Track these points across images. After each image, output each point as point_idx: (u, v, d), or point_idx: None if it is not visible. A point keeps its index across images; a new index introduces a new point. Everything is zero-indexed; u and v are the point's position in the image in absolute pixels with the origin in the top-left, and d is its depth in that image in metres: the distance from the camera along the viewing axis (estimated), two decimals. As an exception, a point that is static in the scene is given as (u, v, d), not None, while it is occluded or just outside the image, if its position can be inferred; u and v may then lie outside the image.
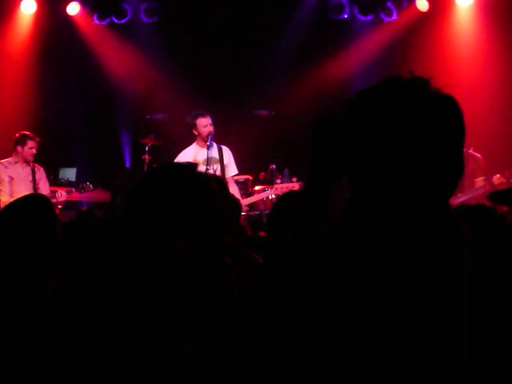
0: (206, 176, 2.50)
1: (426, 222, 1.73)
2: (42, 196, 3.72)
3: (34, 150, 9.61)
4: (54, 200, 9.28)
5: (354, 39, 11.92)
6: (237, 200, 4.25)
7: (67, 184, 11.55)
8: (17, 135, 9.67)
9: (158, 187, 2.37)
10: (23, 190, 9.43)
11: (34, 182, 9.65)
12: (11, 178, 9.57)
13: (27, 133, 9.70)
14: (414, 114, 1.72)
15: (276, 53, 12.09)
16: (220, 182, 4.25)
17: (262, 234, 4.66)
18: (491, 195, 3.80)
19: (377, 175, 1.75)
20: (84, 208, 10.42)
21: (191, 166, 2.54)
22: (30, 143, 9.60)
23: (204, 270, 2.40)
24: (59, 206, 9.64)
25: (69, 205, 11.05)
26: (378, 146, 1.73)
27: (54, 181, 11.49)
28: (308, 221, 1.93)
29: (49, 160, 11.41)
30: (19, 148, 9.60)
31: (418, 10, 11.47)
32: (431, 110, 1.73)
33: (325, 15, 11.88)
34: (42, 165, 10.12)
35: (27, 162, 9.68)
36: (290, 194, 4.51)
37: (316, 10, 11.82)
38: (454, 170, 1.77)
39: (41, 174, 9.84)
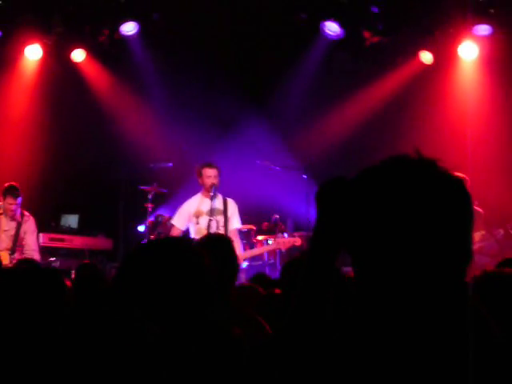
0: (197, 251, 2.47)
1: (433, 305, 1.69)
2: (51, 270, 3.70)
3: (12, 207, 9.22)
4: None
5: (359, 90, 11.96)
6: (235, 262, 4.23)
7: (69, 231, 11.53)
8: (4, 185, 9.33)
9: (148, 264, 2.35)
10: (2, 243, 9.25)
11: (17, 235, 9.28)
12: None
13: (8, 186, 9.26)
14: (422, 197, 1.69)
15: (281, 103, 12.14)
16: (224, 242, 4.23)
17: (277, 291, 4.60)
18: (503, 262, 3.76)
19: (381, 257, 1.71)
20: (85, 259, 10.33)
21: (183, 242, 2.52)
22: (9, 199, 9.22)
23: (214, 346, 2.40)
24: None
25: (70, 252, 11.01)
26: (384, 228, 1.70)
27: (56, 227, 11.47)
28: (311, 291, 1.89)
29: (51, 206, 11.42)
30: (1, 199, 9.32)
31: (422, 63, 11.51)
32: (439, 193, 1.70)
33: (329, 66, 11.93)
34: (40, 212, 9.99)
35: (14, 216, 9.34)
36: (294, 262, 4.46)
37: (320, 61, 11.87)
38: (461, 254, 1.73)
39: (28, 226, 9.42)
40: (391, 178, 1.73)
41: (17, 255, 9.20)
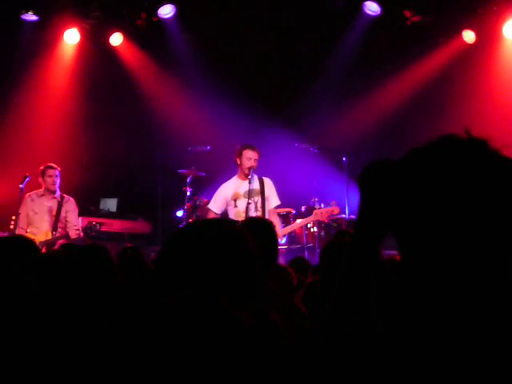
0: (242, 233, 2.41)
1: (486, 289, 1.60)
2: (100, 247, 3.73)
3: (53, 178, 9.62)
4: (71, 237, 9.32)
5: (399, 70, 11.79)
6: (275, 248, 4.16)
7: (108, 215, 11.57)
8: (40, 168, 9.76)
9: (191, 246, 2.29)
10: (44, 223, 9.58)
11: (58, 215, 9.62)
12: (34, 212, 9.65)
13: (48, 164, 9.73)
14: (473, 178, 1.60)
15: (319, 84, 12.03)
16: (265, 226, 4.15)
17: (310, 279, 4.53)
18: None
19: (430, 240, 1.63)
20: (125, 243, 10.35)
21: (227, 223, 2.47)
22: (49, 171, 9.64)
23: (254, 330, 2.34)
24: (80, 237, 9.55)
25: (110, 236, 11.05)
26: (434, 210, 1.62)
27: (95, 211, 11.52)
28: (354, 279, 1.82)
29: (90, 190, 11.47)
30: (40, 179, 9.71)
31: (465, 42, 11.30)
32: (491, 174, 1.61)
33: (367, 48, 11.77)
34: (80, 196, 10.15)
35: (53, 193, 9.70)
36: (341, 232, 4.39)
37: (360, 41, 11.71)
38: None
39: (69, 205, 9.78)
40: (441, 159, 1.64)
41: (59, 232, 9.54)
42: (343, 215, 10.13)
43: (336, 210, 9.35)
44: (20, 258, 4.05)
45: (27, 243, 4.37)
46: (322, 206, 10.24)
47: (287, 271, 4.88)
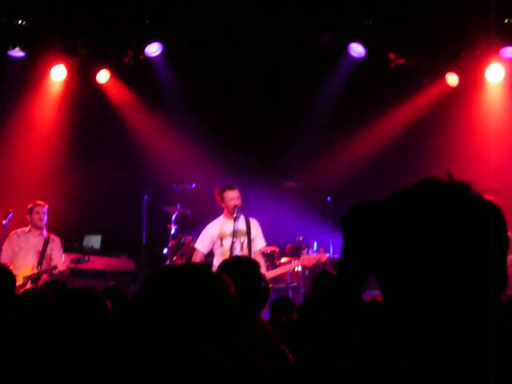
0: (217, 280, 2.43)
1: (467, 332, 1.62)
2: (95, 292, 3.72)
3: (40, 215, 9.69)
4: (56, 271, 9.38)
5: (384, 112, 11.89)
6: (266, 284, 4.14)
7: (91, 251, 11.52)
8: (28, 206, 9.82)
9: (166, 290, 2.31)
10: (29, 259, 9.57)
11: (43, 252, 9.64)
12: (20, 248, 9.67)
13: (36, 202, 9.81)
14: (456, 222, 1.62)
15: (304, 124, 12.11)
16: (251, 266, 4.15)
17: (284, 319, 4.52)
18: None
19: (412, 282, 1.65)
20: (108, 280, 10.31)
21: (203, 269, 2.49)
22: (36, 208, 9.72)
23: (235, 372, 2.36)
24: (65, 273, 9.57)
25: (93, 273, 10.99)
26: (416, 253, 1.64)
27: (79, 248, 11.47)
28: (338, 320, 1.83)
29: (73, 227, 11.42)
30: (28, 217, 9.76)
31: (448, 85, 11.42)
32: (473, 218, 1.63)
33: (352, 89, 11.87)
34: (63, 232, 10.16)
35: (40, 230, 9.74)
36: (325, 273, 4.41)
37: (344, 83, 11.81)
38: (497, 280, 1.65)
39: (54, 244, 9.82)
40: (423, 202, 1.67)
41: (43, 267, 9.56)
42: (327, 254, 10.12)
43: (323, 258, 9.32)
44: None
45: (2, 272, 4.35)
46: (312, 246, 10.25)
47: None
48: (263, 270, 8.74)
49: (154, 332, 2.19)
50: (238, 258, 6.84)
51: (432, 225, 1.63)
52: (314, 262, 9.31)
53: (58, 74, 11.79)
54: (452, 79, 11.42)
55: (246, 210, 9.21)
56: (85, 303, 3.49)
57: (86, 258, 9.63)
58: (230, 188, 9.06)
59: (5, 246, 9.60)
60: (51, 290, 5.64)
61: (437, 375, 1.59)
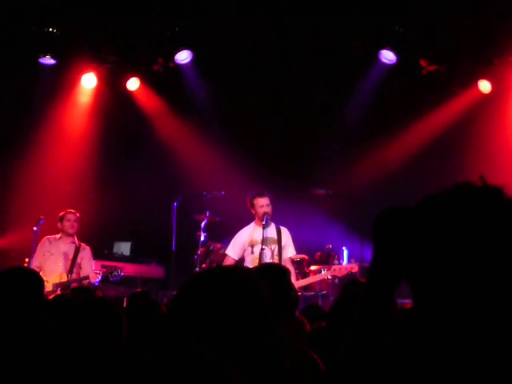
0: (255, 281, 2.39)
1: (502, 339, 1.57)
2: (110, 303, 3.71)
3: (71, 222, 9.74)
4: (86, 281, 9.37)
5: (415, 118, 11.81)
6: (295, 292, 4.11)
7: (121, 258, 11.55)
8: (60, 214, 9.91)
9: (204, 293, 2.27)
10: (59, 265, 9.63)
11: (74, 260, 9.70)
12: (51, 254, 9.71)
13: (68, 210, 9.88)
14: (488, 226, 1.58)
15: (335, 131, 12.06)
16: (282, 272, 4.12)
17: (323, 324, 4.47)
18: None
19: (446, 289, 1.60)
20: (137, 287, 10.33)
21: (241, 272, 2.45)
22: (67, 216, 9.77)
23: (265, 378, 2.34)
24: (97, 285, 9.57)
25: (122, 279, 11.00)
26: (449, 259, 1.59)
27: (109, 255, 11.50)
28: (366, 328, 1.79)
29: (104, 233, 11.47)
30: (59, 225, 9.81)
31: (480, 92, 11.32)
32: (505, 222, 1.58)
33: (382, 96, 11.80)
34: (93, 239, 10.22)
35: (71, 237, 9.81)
36: (354, 281, 4.37)
37: (375, 89, 11.74)
38: None
39: (85, 253, 9.86)
40: (455, 206, 1.63)
41: (74, 276, 9.61)
42: (358, 264, 10.06)
43: (355, 269, 9.24)
44: (25, 291, 4.04)
45: (32, 276, 4.36)
46: (342, 253, 10.22)
47: (300, 321, 4.82)
48: (293, 278, 8.71)
49: (192, 334, 2.17)
50: (267, 264, 6.80)
51: (466, 229, 1.59)
52: (344, 273, 9.24)
53: (89, 81, 11.85)
54: (484, 86, 11.32)
55: (275, 217, 9.18)
56: (96, 315, 3.47)
57: (119, 271, 9.63)
58: (260, 195, 9.05)
59: (36, 252, 9.65)
60: (78, 296, 5.65)
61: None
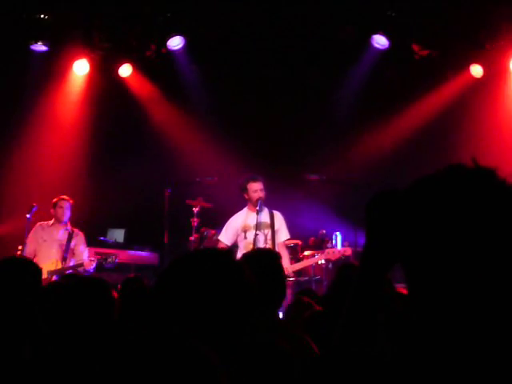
0: (236, 264, 2.40)
1: (498, 323, 1.57)
2: (103, 281, 3.70)
3: (63, 209, 9.77)
4: (81, 269, 9.41)
5: (408, 103, 11.81)
6: (282, 278, 4.12)
7: (115, 245, 11.55)
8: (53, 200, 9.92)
9: (186, 275, 2.29)
10: (53, 252, 9.65)
11: (68, 246, 9.70)
12: (44, 240, 9.74)
13: (61, 196, 9.90)
14: (482, 207, 1.58)
15: (328, 116, 12.05)
16: (270, 256, 4.12)
17: (318, 308, 4.49)
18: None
19: (439, 272, 1.60)
20: (131, 273, 10.34)
21: (223, 254, 2.46)
22: (60, 203, 9.80)
23: (260, 360, 2.35)
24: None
25: (116, 266, 11.01)
26: (442, 240, 1.59)
27: (102, 242, 11.50)
28: (359, 311, 1.80)
29: (97, 221, 11.46)
30: (52, 211, 9.85)
31: (472, 76, 11.32)
32: (499, 203, 1.59)
33: (375, 81, 11.79)
34: (87, 226, 10.22)
35: (63, 224, 9.82)
36: (348, 265, 4.39)
37: (368, 74, 11.73)
38: None
39: (78, 239, 9.88)
40: (448, 188, 1.63)
41: (68, 263, 9.63)
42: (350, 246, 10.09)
43: (348, 252, 9.26)
44: (22, 279, 4.04)
45: (28, 265, 4.36)
46: (335, 238, 10.24)
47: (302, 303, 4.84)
48: (287, 262, 8.75)
49: (175, 318, 2.18)
50: (260, 249, 6.81)
51: (457, 211, 1.59)
52: (338, 256, 9.25)
53: (81, 68, 11.79)
54: (476, 70, 11.32)
55: (268, 202, 9.17)
56: (87, 292, 3.46)
57: (114, 257, 9.68)
58: (254, 180, 9.01)
59: (29, 238, 9.67)
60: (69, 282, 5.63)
61: (461, 369, 1.56)
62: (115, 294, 3.64)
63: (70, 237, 9.75)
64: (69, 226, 9.86)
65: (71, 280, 4.71)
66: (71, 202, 9.87)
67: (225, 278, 2.30)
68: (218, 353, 1.89)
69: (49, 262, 9.47)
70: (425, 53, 11.30)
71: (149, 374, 1.59)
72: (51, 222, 9.85)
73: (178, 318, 2.20)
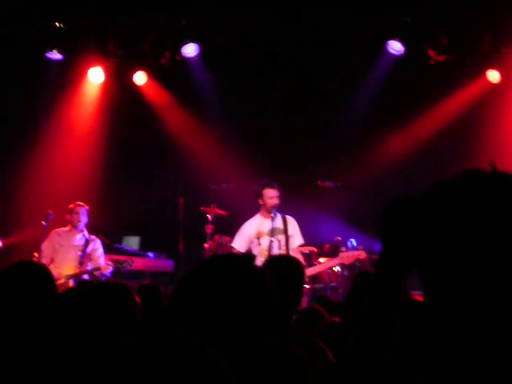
0: (259, 269, 2.38)
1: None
2: (126, 288, 3.66)
3: (79, 215, 9.78)
4: (98, 273, 9.49)
5: (422, 110, 11.76)
6: (301, 285, 4.11)
7: (130, 253, 11.56)
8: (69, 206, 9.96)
9: (208, 280, 2.27)
10: (70, 257, 9.67)
11: (84, 252, 9.72)
12: (61, 246, 9.76)
13: (78, 202, 9.93)
14: (498, 213, 1.54)
15: (342, 123, 12.00)
16: (289, 264, 4.11)
17: (336, 319, 4.46)
18: None
19: (457, 280, 1.57)
20: (146, 280, 10.35)
21: (245, 259, 2.43)
22: (76, 209, 9.82)
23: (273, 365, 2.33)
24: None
25: (131, 273, 11.02)
26: (459, 247, 1.56)
27: (117, 249, 11.51)
28: (375, 321, 1.77)
29: (112, 228, 11.48)
30: (68, 217, 9.87)
31: (489, 82, 11.26)
32: None
33: (391, 87, 11.74)
34: (102, 234, 10.24)
35: (79, 230, 9.85)
36: (364, 272, 4.38)
37: (383, 80, 11.69)
38: None
39: (95, 244, 9.91)
40: (465, 193, 1.59)
41: (85, 268, 9.67)
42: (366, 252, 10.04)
43: (362, 255, 9.21)
44: (34, 286, 4.02)
45: (41, 270, 4.33)
46: (350, 244, 10.17)
47: (317, 312, 4.82)
48: (302, 267, 8.70)
49: (195, 324, 2.17)
50: (280, 256, 6.78)
51: (476, 216, 1.55)
52: (352, 260, 9.20)
53: (96, 76, 11.84)
54: (493, 76, 11.26)
55: (282, 210, 9.14)
56: (109, 297, 3.43)
57: (130, 261, 9.73)
58: (271, 186, 8.99)
59: (45, 244, 9.70)
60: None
61: (479, 376, 1.52)
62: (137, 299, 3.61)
63: (87, 243, 9.79)
64: (86, 232, 9.89)
65: (91, 286, 4.69)
66: (87, 207, 9.90)
67: (247, 282, 2.28)
68: (237, 356, 1.86)
69: (66, 267, 9.52)
70: (441, 58, 11.24)
71: (151, 376, 1.56)
72: (67, 228, 9.88)
73: (198, 323, 2.17)
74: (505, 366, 1.51)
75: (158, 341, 1.63)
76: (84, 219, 9.85)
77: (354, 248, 9.97)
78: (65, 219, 9.90)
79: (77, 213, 9.79)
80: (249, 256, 2.49)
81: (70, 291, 3.85)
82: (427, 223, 1.63)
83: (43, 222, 9.70)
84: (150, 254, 11.70)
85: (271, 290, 2.32)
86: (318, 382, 2.45)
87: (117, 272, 9.63)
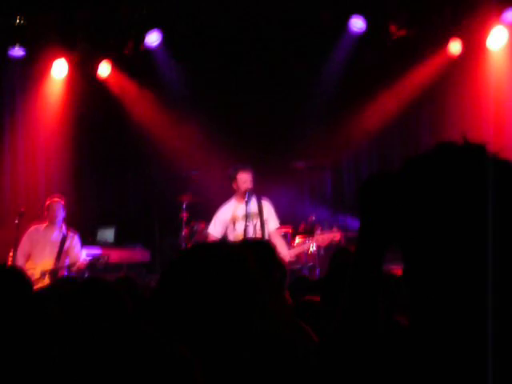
0: (240, 255, 2.39)
1: (496, 303, 1.58)
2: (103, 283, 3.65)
3: (55, 211, 9.69)
4: (74, 268, 9.44)
5: (389, 85, 11.81)
6: (282, 266, 4.11)
7: (105, 245, 11.51)
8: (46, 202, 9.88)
9: (190, 271, 2.27)
10: (46, 253, 9.60)
11: (61, 248, 9.64)
12: (38, 242, 9.69)
13: (53, 197, 9.85)
14: (472, 183, 1.59)
15: (309, 103, 12.03)
16: (265, 249, 4.12)
17: (309, 297, 4.48)
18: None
19: (435, 252, 1.61)
20: (122, 272, 10.33)
21: (224, 246, 2.45)
22: (52, 205, 9.74)
23: (261, 350, 2.36)
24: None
25: (108, 266, 10.99)
26: (436, 220, 1.60)
27: (93, 242, 11.46)
28: (360, 295, 1.81)
29: (87, 220, 11.44)
30: (46, 213, 9.78)
31: (451, 54, 11.33)
32: (490, 179, 1.59)
33: (354, 64, 11.78)
34: (78, 227, 10.18)
35: (57, 225, 9.76)
36: (341, 250, 4.41)
37: (347, 58, 11.74)
38: None
39: (72, 241, 9.82)
40: (440, 166, 1.64)
41: (61, 263, 9.58)
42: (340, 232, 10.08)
43: (337, 237, 9.24)
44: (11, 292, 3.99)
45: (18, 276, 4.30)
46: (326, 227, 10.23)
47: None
48: (284, 250, 8.75)
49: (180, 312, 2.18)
50: (250, 240, 6.78)
51: (450, 189, 1.60)
52: (328, 242, 9.26)
53: (60, 70, 11.76)
54: (455, 47, 11.32)
55: (256, 191, 9.13)
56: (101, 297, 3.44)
57: (106, 257, 9.68)
58: (244, 170, 8.94)
59: (23, 240, 9.65)
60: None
61: (453, 352, 1.57)
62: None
63: (64, 239, 9.71)
64: (64, 228, 9.80)
65: (70, 286, 4.68)
66: (62, 202, 9.82)
67: (230, 269, 2.28)
68: (228, 344, 1.88)
69: (42, 262, 9.46)
70: (402, 33, 11.30)
71: (120, 375, 1.58)
72: (45, 224, 9.81)
73: (184, 314, 2.19)
74: (479, 336, 1.56)
75: (127, 339, 1.64)
76: (60, 214, 9.77)
77: (328, 229, 10.00)
78: (42, 215, 9.84)
79: (53, 209, 9.72)
80: (226, 243, 2.51)
81: (51, 290, 3.84)
82: (404, 198, 1.67)
83: (16, 221, 9.66)
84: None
85: (255, 273, 2.33)
86: (308, 363, 2.49)
87: (93, 267, 9.58)
